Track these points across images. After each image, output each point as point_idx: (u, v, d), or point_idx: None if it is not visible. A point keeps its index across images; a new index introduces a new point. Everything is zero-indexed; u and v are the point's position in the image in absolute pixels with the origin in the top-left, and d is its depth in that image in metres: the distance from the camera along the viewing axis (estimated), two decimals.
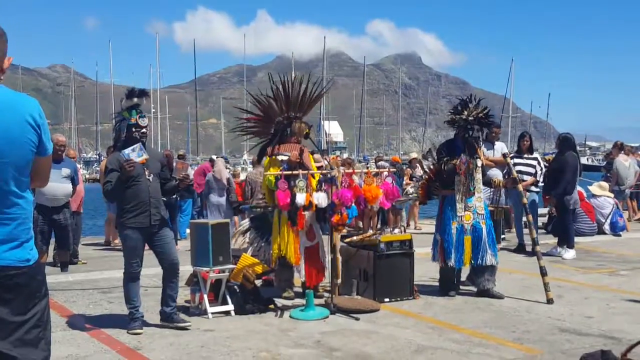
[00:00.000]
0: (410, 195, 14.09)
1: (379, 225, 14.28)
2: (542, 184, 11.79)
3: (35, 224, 9.39)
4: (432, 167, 8.50)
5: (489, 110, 8.19)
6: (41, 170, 3.32)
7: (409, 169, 15.20)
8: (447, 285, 8.29)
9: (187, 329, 6.64)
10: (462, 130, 8.08)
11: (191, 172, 13.73)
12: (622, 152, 16.55)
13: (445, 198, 8.16)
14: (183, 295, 7.92)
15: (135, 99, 6.71)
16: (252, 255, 8.25)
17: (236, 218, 12.38)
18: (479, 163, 8.10)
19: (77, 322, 7.00)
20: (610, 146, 18.20)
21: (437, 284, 8.74)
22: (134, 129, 6.61)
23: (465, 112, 8.06)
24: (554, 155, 12.67)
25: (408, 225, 14.63)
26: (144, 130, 6.65)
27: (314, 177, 7.77)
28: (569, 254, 11.06)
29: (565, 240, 11.25)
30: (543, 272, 8.04)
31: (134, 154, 6.41)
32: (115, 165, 6.51)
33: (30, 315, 3.12)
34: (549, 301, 7.76)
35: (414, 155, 16.49)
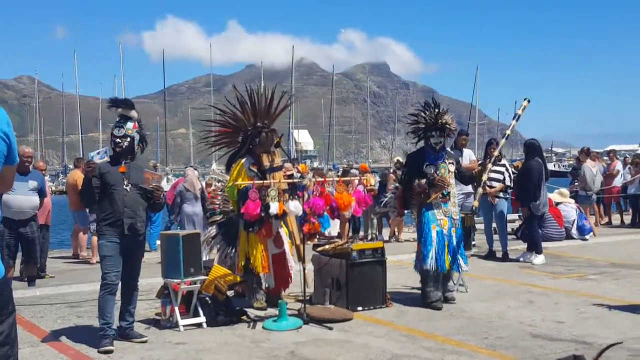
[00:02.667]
0: (389, 207, 14.15)
1: (350, 234, 14.27)
2: (511, 190, 11.90)
3: (1, 238, 9.27)
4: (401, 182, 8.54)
5: (445, 113, 8.14)
6: (8, 178, 3.25)
7: (395, 172, 15.01)
8: (431, 294, 8.02)
9: (144, 342, 6.57)
10: (424, 137, 8.12)
11: (165, 184, 13.59)
12: (589, 157, 16.78)
13: (422, 205, 8.15)
14: (154, 307, 7.83)
15: (119, 110, 6.77)
16: (218, 262, 8.20)
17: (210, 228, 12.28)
18: (452, 168, 8.13)
19: (45, 338, 6.86)
20: (575, 152, 18.43)
21: (410, 291, 8.77)
22: (111, 139, 6.69)
23: (424, 118, 8.10)
24: (522, 162, 12.77)
25: (392, 235, 14.57)
26: (117, 140, 6.65)
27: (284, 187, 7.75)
28: (538, 259, 11.17)
29: (533, 246, 11.36)
30: None
31: (97, 156, 6.49)
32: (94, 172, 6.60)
33: None
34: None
35: (398, 158, 16.51)
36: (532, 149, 11.52)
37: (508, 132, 8.73)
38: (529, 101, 8.55)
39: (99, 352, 6.29)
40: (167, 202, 13.28)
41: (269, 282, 8.00)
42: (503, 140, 9.10)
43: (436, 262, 7.94)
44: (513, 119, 8.60)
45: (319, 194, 7.57)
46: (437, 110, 8.08)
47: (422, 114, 8.15)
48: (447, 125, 8.08)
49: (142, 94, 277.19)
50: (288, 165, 9.50)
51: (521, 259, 11.37)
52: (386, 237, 14.38)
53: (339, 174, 16.26)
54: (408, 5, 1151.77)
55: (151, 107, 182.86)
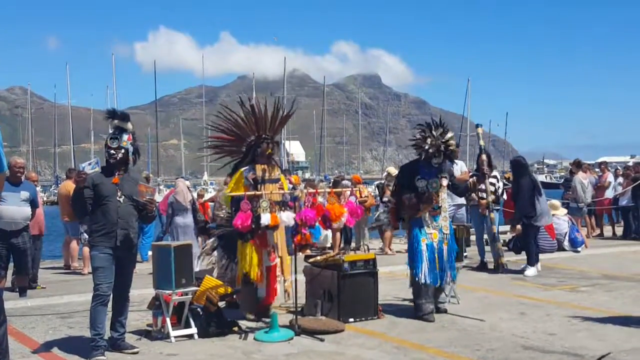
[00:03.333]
0: (382, 221, 14.15)
1: (342, 245, 14.26)
2: (503, 201, 11.94)
3: None
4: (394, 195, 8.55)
5: (451, 137, 8.16)
6: None
7: (387, 185, 15.04)
8: (423, 307, 8.01)
9: (135, 353, 6.55)
10: (425, 156, 8.12)
11: (157, 196, 13.57)
12: (580, 169, 16.85)
13: (412, 219, 8.16)
14: (145, 318, 7.81)
15: (116, 122, 6.78)
16: (217, 275, 8.19)
17: (200, 239, 12.26)
18: (444, 182, 8.13)
19: (36, 349, 6.83)
20: (567, 164, 18.53)
21: (401, 302, 8.77)
22: (105, 150, 6.67)
23: (428, 141, 8.08)
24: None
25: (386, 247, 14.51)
26: (112, 151, 6.65)
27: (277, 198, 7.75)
28: (530, 271, 11.20)
29: (529, 258, 11.43)
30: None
31: (89, 167, 6.47)
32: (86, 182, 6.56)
33: None
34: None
35: (390, 170, 16.43)
36: (518, 167, 11.67)
37: (483, 157, 8.84)
38: (479, 126, 8.78)
39: None
40: (160, 214, 13.32)
41: (260, 294, 7.99)
42: (483, 156, 9.21)
43: (428, 276, 7.95)
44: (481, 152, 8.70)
45: (311, 205, 7.57)
46: (442, 132, 8.07)
47: (429, 138, 8.09)
48: (449, 147, 8.09)
49: (134, 105, 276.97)
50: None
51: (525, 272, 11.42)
52: (378, 248, 14.39)
53: (330, 184, 16.19)
54: (401, 17, 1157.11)
55: (143, 117, 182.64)
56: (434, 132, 8.07)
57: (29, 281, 10.26)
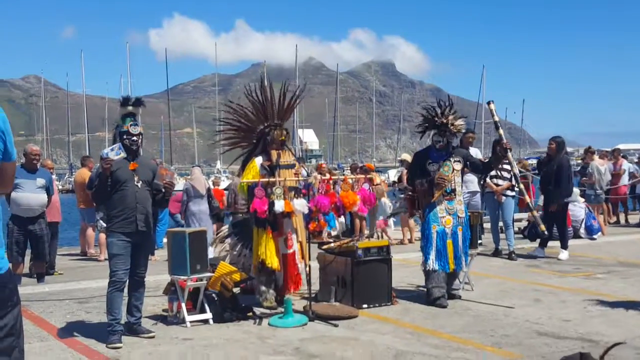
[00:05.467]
0: (398, 208, 14.08)
1: (364, 231, 14.22)
2: (518, 189, 11.87)
3: (10, 235, 9.35)
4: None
5: (449, 111, 8.11)
6: (6, 176, 3.27)
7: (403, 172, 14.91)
8: (435, 292, 7.99)
9: (152, 337, 6.62)
10: (431, 130, 8.14)
11: (177, 180, 13.67)
12: (598, 156, 16.75)
13: (426, 204, 8.14)
14: (161, 304, 7.87)
15: (130, 108, 6.80)
16: (231, 262, 8.23)
17: (215, 226, 12.33)
18: (458, 167, 8.12)
19: (54, 333, 6.91)
20: (583, 152, 18.37)
21: (414, 289, 8.79)
22: (125, 136, 6.68)
23: (427, 116, 8.11)
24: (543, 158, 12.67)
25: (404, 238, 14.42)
26: (134, 138, 6.70)
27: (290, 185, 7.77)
28: (564, 254, 11.42)
29: (562, 242, 11.57)
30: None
31: (112, 152, 6.48)
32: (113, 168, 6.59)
33: (3, 324, 3.08)
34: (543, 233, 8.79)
35: (405, 156, 16.32)
36: (562, 145, 11.68)
37: (500, 131, 8.74)
38: (491, 102, 8.68)
39: (107, 347, 6.34)
40: (171, 214, 13.46)
41: (279, 281, 8.02)
42: (501, 131, 9.11)
43: (437, 262, 7.96)
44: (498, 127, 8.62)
45: (324, 192, 7.58)
46: (441, 109, 8.08)
47: (428, 112, 8.16)
48: (450, 126, 8.06)
49: (148, 93, 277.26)
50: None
51: (538, 255, 11.46)
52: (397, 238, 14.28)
53: (345, 173, 16.14)
54: (419, 3, 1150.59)
55: (157, 106, 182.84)
56: (436, 111, 8.07)
57: (46, 267, 10.37)
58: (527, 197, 9.08)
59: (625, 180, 17.31)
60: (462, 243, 8.10)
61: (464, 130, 9.11)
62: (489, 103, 8.62)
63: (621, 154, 18.52)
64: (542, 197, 12.42)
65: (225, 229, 9.35)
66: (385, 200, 14.72)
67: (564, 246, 11.48)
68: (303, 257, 7.95)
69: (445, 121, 8.02)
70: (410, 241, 14.03)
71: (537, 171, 12.85)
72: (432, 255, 7.97)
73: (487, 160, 8.82)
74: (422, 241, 8.21)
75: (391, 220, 14.82)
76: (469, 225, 8.30)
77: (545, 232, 10.68)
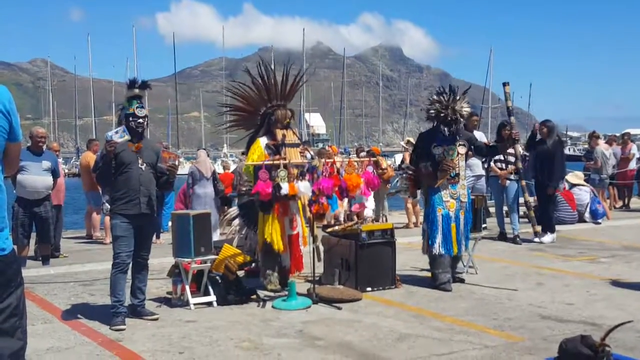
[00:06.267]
0: (399, 189, 14.03)
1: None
2: (522, 172, 11.85)
3: (16, 217, 9.38)
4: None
5: (462, 104, 8.05)
6: (11, 157, 3.28)
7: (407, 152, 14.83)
8: (440, 276, 8.00)
9: (156, 319, 6.65)
10: (437, 121, 8.09)
11: (183, 163, 13.63)
12: (605, 140, 16.70)
13: (430, 188, 8.14)
14: (165, 286, 7.90)
15: (136, 90, 6.80)
16: (238, 244, 8.24)
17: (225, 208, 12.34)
18: (462, 150, 8.09)
19: (58, 315, 6.96)
20: None
21: (419, 272, 8.79)
22: (131, 119, 6.68)
23: (437, 106, 8.04)
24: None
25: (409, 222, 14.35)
26: (140, 120, 6.69)
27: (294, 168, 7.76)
28: (547, 237, 11.32)
29: (548, 225, 11.45)
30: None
31: (117, 135, 6.49)
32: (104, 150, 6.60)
33: (6, 304, 3.10)
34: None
35: (410, 138, 16.22)
36: (554, 130, 11.62)
37: (512, 119, 8.70)
38: (506, 84, 8.61)
39: (110, 329, 6.37)
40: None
41: (284, 262, 8.03)
42: (513, 119, 9.06)
43: (443, 246, 7.95)
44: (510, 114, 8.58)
45: (328, 174, 7.57)
46: (450, 98, 8.00)
47: (437, 103, 8.05)
48: (460, 117, 8.02)
49: (156, 77, 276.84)
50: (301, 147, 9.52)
51: (536, 240, 11.41)
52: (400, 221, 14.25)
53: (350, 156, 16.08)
54: None
55: (164, 90, 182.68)
56: (442, 97, 8.02)
57: (51, 250, 10.41)
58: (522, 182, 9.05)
59: (633, 164, 17.25)
60: (464, 227, 8.09)
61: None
62: (505, 85, 8.50)
63: (630, 139, 18.45)
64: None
65: (232, 210, 9.36)
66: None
67: (551, 230, 11.44)
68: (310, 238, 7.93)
69: (451, 113, 7.95)
70: (415, 225, 13.99)
71: (526, 153, 12.73)
72: (439, 239, 7.95)
73: (491, 144, 8.76)
74: (425, 224, 8.19)
75: (385, 202, 14.79)
76: (472, 209, 8.29)
77: (538, 233, 10.76)
